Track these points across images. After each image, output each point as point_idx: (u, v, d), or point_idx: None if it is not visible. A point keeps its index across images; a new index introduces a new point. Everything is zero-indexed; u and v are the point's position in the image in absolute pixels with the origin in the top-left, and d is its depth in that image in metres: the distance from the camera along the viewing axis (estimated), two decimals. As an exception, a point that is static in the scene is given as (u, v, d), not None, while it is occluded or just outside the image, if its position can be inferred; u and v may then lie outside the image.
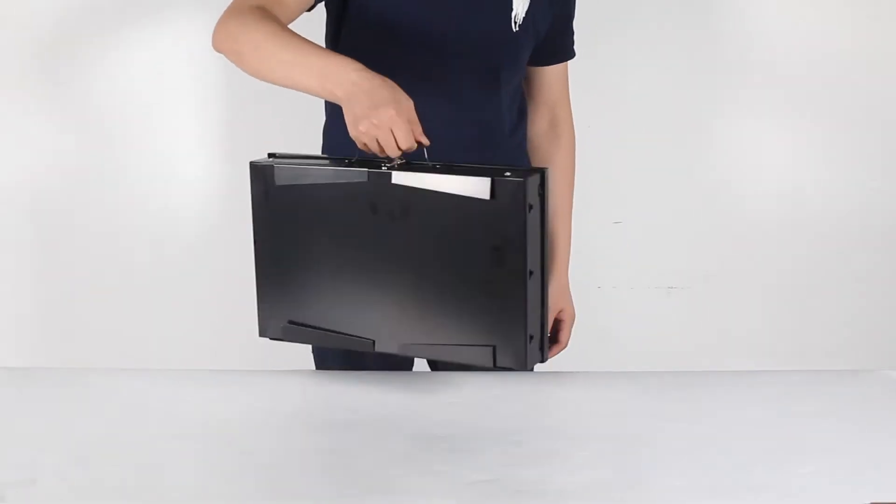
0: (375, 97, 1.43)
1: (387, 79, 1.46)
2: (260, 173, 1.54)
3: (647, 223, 2.89)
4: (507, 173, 1.42)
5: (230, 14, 1.55)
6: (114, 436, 1.41)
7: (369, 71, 1.46)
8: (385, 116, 1.41)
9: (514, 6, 1.67)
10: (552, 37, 1.76)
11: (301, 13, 1.63)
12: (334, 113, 1.76)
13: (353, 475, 1.30)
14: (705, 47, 2.84)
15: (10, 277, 2.85)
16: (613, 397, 1.58)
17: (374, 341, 1.53)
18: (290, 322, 1.57)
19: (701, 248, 2.93)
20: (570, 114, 1.87)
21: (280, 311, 1.58)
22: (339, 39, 1.71)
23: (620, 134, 2.76)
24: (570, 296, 1.86)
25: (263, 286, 1.58)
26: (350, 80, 1.45)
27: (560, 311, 1.83)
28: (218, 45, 1.55)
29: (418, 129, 1.44)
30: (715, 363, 2.80)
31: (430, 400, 1.56)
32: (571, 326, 1.85)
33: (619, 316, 2.89)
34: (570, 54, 1.82)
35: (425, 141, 1.45)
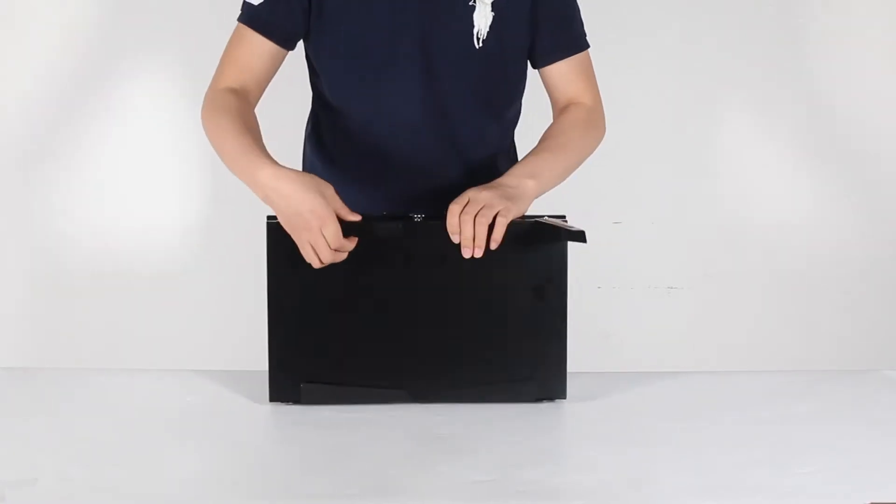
0: (292, 204, 1.45)
1: (296, 175, 1.47)
2: (278, 233, 1.48)
3: (647, 223, 2.89)
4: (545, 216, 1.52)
5: (208, 105, 1.63)
6: (114, 436, 1.41)
7: (280, 172, 1.47)
8: (309, 225, 1.44)
9: (476, 22, 1.66)
10: (544, 36, 1.73)
11: (277, 67, 1.68)
12: (312, 135, 1.81)
13: (353, 475, 1.30)
14: (705, 48, 2.84)
15: (10, 278, 2.85)
16: (614, 397, 1.58)
17: (406, 392, 1.53)
18: (309, 382, 1.51)
19: (701, 248, 2.93)
20: (591, 96, 1.77)
21: (296, 372, 1.51)
22: (313, 72, 1.75)
23: (620, 134, 2.76)
24: (514, 189, 1.55)
25: (277, 347, 1.51)
26: (263, 187, 1.48)
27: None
28: (205, 133, 1.64)
29: (345, 212, 1.47)
30: (715, 363, 2.80)
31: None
32: (505, 218, 1.49)
33: (619, 316, 2.89)
34: (573, 49, 1.75)
35: (355, 217, 1.47)
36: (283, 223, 1.46)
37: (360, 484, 1.27)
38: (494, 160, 1.78)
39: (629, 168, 2.83)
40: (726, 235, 2.93)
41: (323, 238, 1.44)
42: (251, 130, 1.57)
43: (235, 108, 1.60)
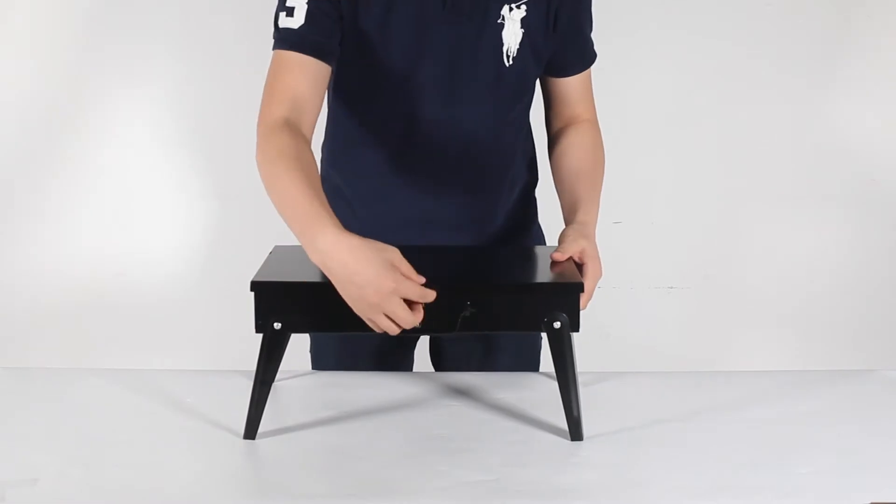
0: (357, 277, 1.33)
1: (358, 243, 1.35)
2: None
3: (647, 223, 2.89)
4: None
5: (262, 146, 1.50)
6: (114, 436, 1.41)
7: (341, 237, 1.35)
8: (380, 295, 1.33)
9: (505, 41, 1.64)
10: (567, 50, 1.72)
11: (324, 93, 1.60)
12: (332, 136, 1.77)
13: (353, 475, 1.30)
14: (705, 48, 2.85)
15: (10, 278, 2.86)
16: (613, 397, 1.58)
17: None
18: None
19: (701, 248, 2.93)
20: (592, 111, 1.80)
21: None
22: (337, 88, 1.70)
23: (621, 134, 2.76)
24: (597, 250, 1.70)
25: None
26: (320, 253, 1.36)
27: (581, 252, 1.64)
28: (258, 169, 1.52)
29: (415, 276, 1.35)
30: (715, 363, 2.80)
31: (430, 400, 1.56)
32: (595, 280, 1.64)
33: (619, 316, 2.89)
34: (586, 64, 1.76)
35: (421, 281, 1.35)
36: (341, 292, 1.35)
37: (360, 484, 1.27)
38: (507, 161, 1.77)
39: (629, 168, 2.83)
40: (727, 235, 2.93)
41: (398, 305, 1.33)
42: (308, 177, 1.44)
43: (292, 150, 1.47)
